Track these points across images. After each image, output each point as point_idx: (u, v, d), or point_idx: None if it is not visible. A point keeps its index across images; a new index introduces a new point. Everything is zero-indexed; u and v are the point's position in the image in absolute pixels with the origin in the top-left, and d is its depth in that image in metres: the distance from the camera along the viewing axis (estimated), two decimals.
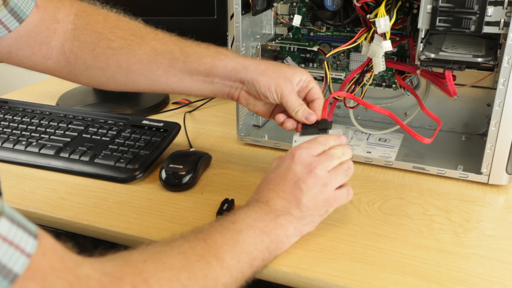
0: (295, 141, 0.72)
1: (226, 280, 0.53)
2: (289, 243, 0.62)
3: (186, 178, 0.76)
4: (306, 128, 0.72)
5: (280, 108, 0.75)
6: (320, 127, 0.71)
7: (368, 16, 0.75)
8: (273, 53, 0.94)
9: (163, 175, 0.77)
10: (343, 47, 0.80)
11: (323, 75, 0.93)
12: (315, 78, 0.91)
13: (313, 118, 0.71)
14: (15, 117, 0.93)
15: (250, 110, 0.76)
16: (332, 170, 0.64)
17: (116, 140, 0.86)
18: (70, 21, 0.71)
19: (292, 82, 0.71)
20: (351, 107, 0.87)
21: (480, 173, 0.77)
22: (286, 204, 0.62)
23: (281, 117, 0.73)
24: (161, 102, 1.09)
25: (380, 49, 0.75)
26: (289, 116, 0.73)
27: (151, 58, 0.71)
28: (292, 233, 0.62)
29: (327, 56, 0.82)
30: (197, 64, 0.71)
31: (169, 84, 0.73)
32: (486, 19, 0.67)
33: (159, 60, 0.71)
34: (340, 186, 0.65)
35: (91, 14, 0.72)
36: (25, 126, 0.90)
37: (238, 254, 0.55)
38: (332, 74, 0.89)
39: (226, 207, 0.70)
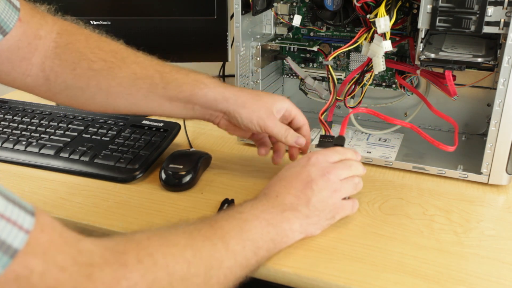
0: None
1: (230, 264, 0.53)
2: (294, 239, 0.62)
3: (186, 178, 0.76)
4: (323, 142, 0.74)
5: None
6: (336, 142, 0.73)
7: (368, 16, 0.75)
8: (273, 53, 0.94)
9: (163, 175, 0.77)
10: (344, 49, 0.80)
11: (324, 75, 0.94)
12: (315, 78, 0.92)
13: (302, 141, 0.73)
14: (15, 117, 0.93)
15: (229, 133, 0.77)
16: (344, 179, 0.66)
17: (116, 140, 0.86)
18: (52, 39, 0.70)
19: (273, 111, 0.72)
20: (351, 107, 0.87)
21: (480, 173, 0.77)
22: (295, 201, 0.63)
23: (263, 150, 0.79)
24: None
25: (380, 49, 0.75)
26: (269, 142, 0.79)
27: (131, 82, 0.71)
28: (297, 228, 0.62)
29: (329, 59, 0.82)
30: (177, 91, 0.71)
31: (149, 107, 0.72)
32: (486, 19, 0.67)
33: (139, 85, 0.71)
34: (346, 198, 0.67)
35: (73, 33, 0.71)
36: (25, 126, 0.90)
37: (244, 240, 0.56)
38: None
39: (226, 207, 0.70)
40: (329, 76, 0.83)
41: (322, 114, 0.82)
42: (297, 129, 0.75)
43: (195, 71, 0.73)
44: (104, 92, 0.71)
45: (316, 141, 0.77)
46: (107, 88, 0.70)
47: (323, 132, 0.83)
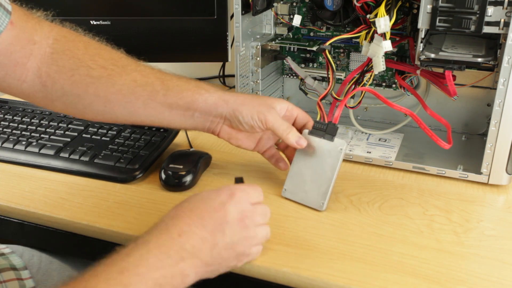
0: None
1: None
2: (183, 286, 0.55)
3: (186, 178, 0.76)
4: (315, 130, 0.73)
5: (264, 142, 0.76)
6: (328, 131, 0.72)
7: (368, 16, 0.75)
8: (273, 53, 0.94)
9: (163, 175, 0.77)
10: (344, 36, 0.79)
11: (324, 75, 0.94)
12: (315, 78, 0.92)
13: (303, 143, 0.71)
14: (15, 117, 0.93)
15: (232, 144, 0.75)
16: (259, 226, 0.60)
17: (116, 140, 0.86)
18: (49, 45, 0.68)
19: (275, 108, 0.71)
20: (351, 107, 0.88)
21: (480, 173, 0.77)
22: (199, 244, 0.55)
23: (282, 164, 0.77)
24: None
25: (380, 49, 0.75)
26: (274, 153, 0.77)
27: (131, 90, 0.69)
28: (191, 279, 0.55)
29: (326, 44, 0.81)
30: (177, 97, 0.70)
31: (148, 116, 0.71)
32: (486, 19, 0.67)
33: (138, 92, 0.69)
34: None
35: (72, 40, 0.70)
36: (25, 126, 0.90)
37: None
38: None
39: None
40: (327, 62, 0.83)
41: (321, 100, 0.81)
42: (302, 127, 0.74)
43: (195, 80, 0.73)
44: (102, 100, 0.69)
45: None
46: (105, 96, 0.69)
47: (318, 118, 0.81)
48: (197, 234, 0.55)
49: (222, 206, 0.57)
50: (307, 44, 0.90)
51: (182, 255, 0.53)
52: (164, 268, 0.52)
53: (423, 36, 0.73)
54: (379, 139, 0.91)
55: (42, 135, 0.88)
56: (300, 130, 0.73)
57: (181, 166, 0.76)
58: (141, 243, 0.53)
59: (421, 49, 0.74)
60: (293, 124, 0.74)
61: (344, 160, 0.84)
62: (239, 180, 0.66)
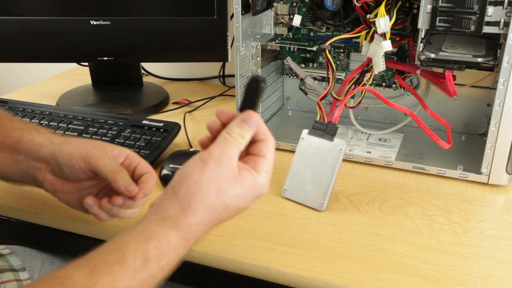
0: (303, 138, 0.73)
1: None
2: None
3: None
4: (315, 130, 0.73)
5: (96, 195, 0.62)
6: (328, 131, 0.72)
7: (368, 16, 0.75)
8: (273, 53, 0.94)
9: (163, 175, 0.77)
10: (344, 36, 0.79)
11: (324, 75, 0.94)
12: (315, 78, 0.92)
13: (133, 189, 0.57)
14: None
15: (60, 199, 0.62)
16: None
17: (116, 140, 0.86)
18: None
19: (105, 150, 0.59)
20: (351, 107, 0.88)
21: (480, 173, 0.77)
22: (200, 234, 0.49)
23: (89, 200, 0.58)
24: (161, 102, 1.09)
25: (380, 49, 0.75)
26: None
27: None
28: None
29: (326, 44, 0.81)
30: (6, 136, 0.62)
31: None
32: (486, 19, 0.67)
33: None
34: None
35: None
36: None
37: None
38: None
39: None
40: (327, 62, 0.83)
41: (321, 100, 0.81)
42: (140, 177, 0.60)
43: (38, 125, 0.65)
44: None
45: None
46: None
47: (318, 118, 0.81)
48: (204, 231, 0.50)
49: (243, 202, 0.50)
50: (307, 44, 0.90)
51: (179, 251, 0.47)
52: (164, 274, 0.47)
53: (423, 36, 0.73)
54: (379, 139, 0.91)
55: None
56: (136, 180, 0.59)
57: (181, 166, 0.76)
58: (155, 257, 0.46)
59: (421, 49, 0.74)
60: (132, 175, 0.60)
61: (344, 160, 0.84)
62: (257, 81, 0.51)
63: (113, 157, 0.60)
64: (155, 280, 0.46)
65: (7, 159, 0.62)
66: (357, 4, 0.75)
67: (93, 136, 0.87)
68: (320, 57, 0.95)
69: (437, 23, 0.70)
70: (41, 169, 0.61)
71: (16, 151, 0.62)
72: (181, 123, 0.94)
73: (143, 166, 0.61)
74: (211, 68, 1.26)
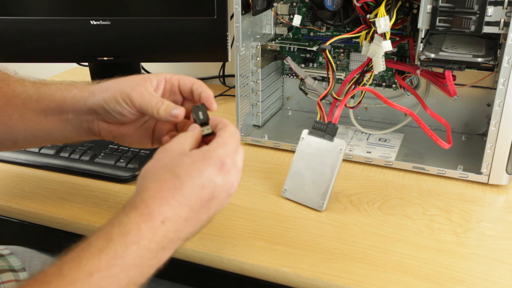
0: (303, 138, 0.73)
1: None
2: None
3: None
4: (315, 130, 0.73)
5: (154, 127, 0.63)
6: (328, 131, 0.72)
7: (368, 16, 0.75)
8: (273, 53, 0.94)
9: None
10: (344, 36, 0.79)
11: (324, 75, 0.94)
12: (315, 78, 0.92)
13: (178, 112, 0.56)
14: None
15: (122, 143, 0.63)
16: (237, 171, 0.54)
17: None
18: None
19: (145, 86, 0.58)
20: (351, 107, 0.88)
21: (480, 173, 0.77)
22: (182, 228, 0.49)
23: (167, 137, 0.59)
24: None
25: (380, 49, 0.75)
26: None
27: (6, 101, 0.62)
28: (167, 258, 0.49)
29: (327, 44, 0.81)
30: (49, 100, 0.62)
31: (27, 129, 0.62)
32: (486, 19, 0.67)
33: (13, 102, 0.62)
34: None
35: None
36: None
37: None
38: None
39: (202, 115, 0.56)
40: (327, 62, 0.83)
41: (321, 100, 0.81)
42: (188, 92, 0.60)
43: (74, 82, 0.64)
44: None
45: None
46: None
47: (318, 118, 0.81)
48: (181, 217, 0.48)
49: (211, 182, 0.49)
50: (307, 44, 0.90)
51: (163, 244, 0.47)
52: (141, 264, 0.46)
53: (423, 36, 0.73)
54: (379, 139, 0.91)
55: None
56: (188, 95, 0.60)
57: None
58: (117, 235, 0.45)
59: (421, 49, 0.74)
60: (179, 92, 0.61)
61: (344, 160, 0.84)
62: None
63: (154, 89, 0.59)
64: (125, 261, 0.44)
65: (58, 122, 0.62)
66: (357, 4, 0.75)
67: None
68: (320, 57, 0.95)
69: (437, 23, 0.70)
70: (93, 120, 0.61)
71: (63, 112, 0.61)
72: None
73: (185, 80, 0.60)
74: (211, 68, 1.26)
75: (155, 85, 0.59)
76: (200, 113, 0.55)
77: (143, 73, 1.24)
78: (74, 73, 1.34)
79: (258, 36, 0.92)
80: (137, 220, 0.46)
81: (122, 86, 0.58)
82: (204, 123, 0.55)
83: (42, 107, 0.61)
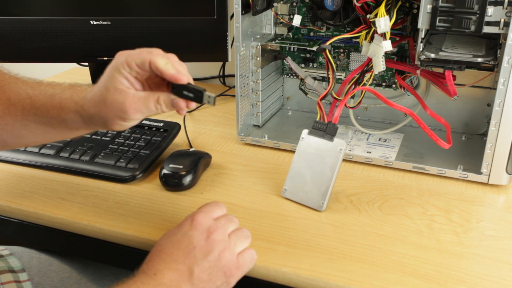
0: (303, 138, 0.73)
1: None
2: None
3: (186, 178, 0.76)
4: (315, 130, 0.73)
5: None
6: (328, 131, 0.72)
7: (368, 16, 0.75)
8: (273, 53, 0.94)
9: (163, 175, 0.77)
10: (344, 36, 0.79)
11: (324, 75, 0.94)
12: (315, 78, 0.92)
13: (179, 103, 0.58)
14: None
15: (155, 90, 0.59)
16: (233, 233, 0.59)
17: (116, 139, 0.86)
18: None
19: (130, 96, 0.57)
20: (351, 107, 0.87)
21: (480, 173, 0.77)
22: (176, 277, 0.55)
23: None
24: None
25: (380, 49, 0.75)
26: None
27: (5, 109, 0.61)
28: None
29: (327, 44, 0.81)
30: (45, 115, 0.61)
31: (36, 139, 0.64)
32: (486, 19, 0.67)
33: (12, 111, 0.61)
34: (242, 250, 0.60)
35: None
36: None
37: None
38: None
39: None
40: (327, 62, 0.82)
41: (321, 100, 0.81)
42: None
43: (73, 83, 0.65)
44: None
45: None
46: None
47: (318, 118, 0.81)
48: (171, 269, 0.55)
49: (185, 235, 0.57)
50: (307, 44, 0.90)
51: None
52: None
53: (423, 36, 0.73)
54: (379, 139, 0.91)
55: None
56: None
57: (181, 166, 0.76)
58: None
59: (421, 49, 0.74)
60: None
61: (344, 160, 0.84)
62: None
63: (131, 84, 0.57)
64: None
65: (63, 127, 0.62)
66: (357, 4, 0.75)
67: (93, 136, 0.87)
68: (320, 57, 0.95)
69: (437, 23, 0.70)
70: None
71: (63, 120, 0.61)
72: (181, 123, 0.94)
73: (143, 66, 0.57)
74: (211, 68, 1.26)
75: (132, 80, 0.58)
76: (185, 93, 0.57)
77: None
78: (74, 73, 1.34)
79: (258, 36, 0.92)
80: (133, 278, 0.56)
81: (113, 110, 0.57)
82: (198, 97, 0.57)
83: (43, 120, 0.61)
